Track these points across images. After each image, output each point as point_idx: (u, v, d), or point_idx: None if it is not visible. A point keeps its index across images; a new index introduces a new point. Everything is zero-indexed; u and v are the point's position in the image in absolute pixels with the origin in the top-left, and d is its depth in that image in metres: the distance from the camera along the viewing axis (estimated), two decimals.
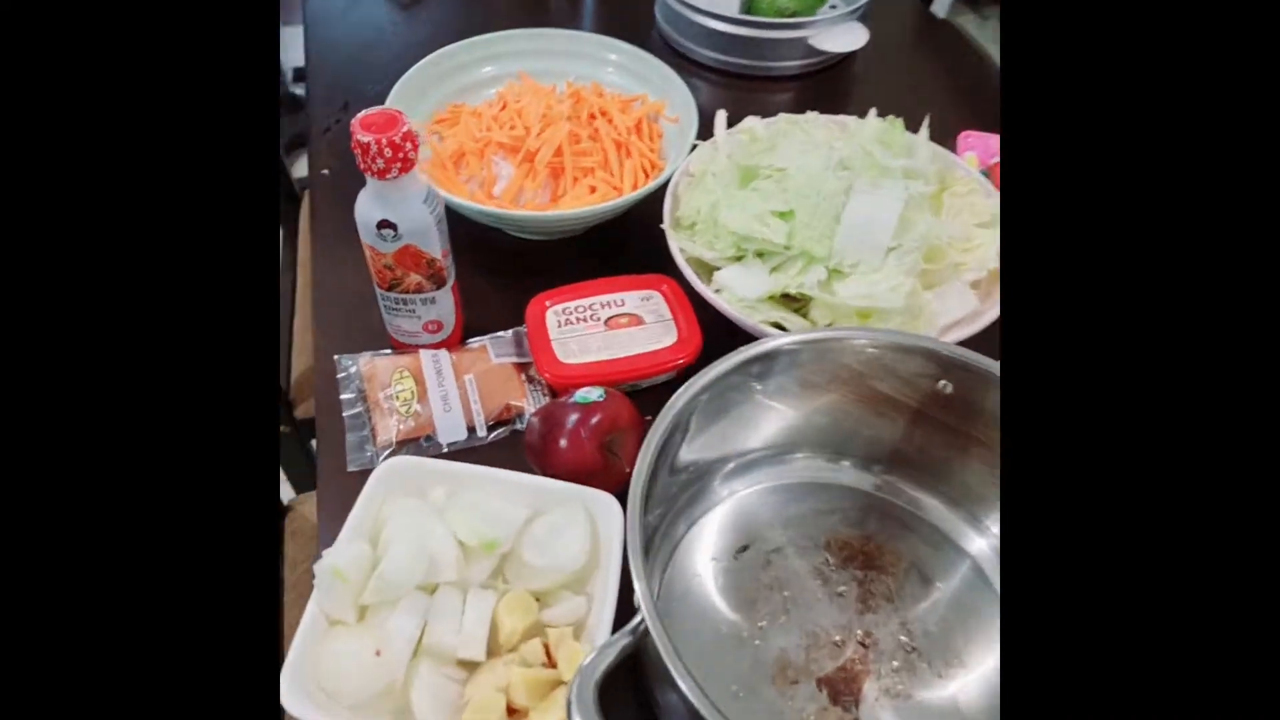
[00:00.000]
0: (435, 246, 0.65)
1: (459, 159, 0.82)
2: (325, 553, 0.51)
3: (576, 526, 0.56)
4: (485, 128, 0.81)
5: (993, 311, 0.66)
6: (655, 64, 0.89)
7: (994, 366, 0.55)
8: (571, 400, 0.62)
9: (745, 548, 0.62)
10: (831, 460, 0.65)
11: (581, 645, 0.52)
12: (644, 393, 0.70)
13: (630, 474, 0.61)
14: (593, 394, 0.62)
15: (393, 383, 0.68)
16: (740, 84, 1.07)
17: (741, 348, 0.55)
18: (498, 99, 0.86)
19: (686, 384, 0.54)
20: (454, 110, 0.87)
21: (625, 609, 0.52)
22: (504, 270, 0.81)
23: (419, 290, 0.67)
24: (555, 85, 0.90)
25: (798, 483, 0.64)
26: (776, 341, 0.56)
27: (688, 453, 0.58)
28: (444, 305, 0.69)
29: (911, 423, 0.61)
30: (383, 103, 0.75)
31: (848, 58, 1.09)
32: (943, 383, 0.57)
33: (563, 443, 0.60)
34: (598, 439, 0.60)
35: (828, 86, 1.07)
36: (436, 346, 0.72)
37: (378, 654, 0.49)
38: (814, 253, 0.64)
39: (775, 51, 1.04)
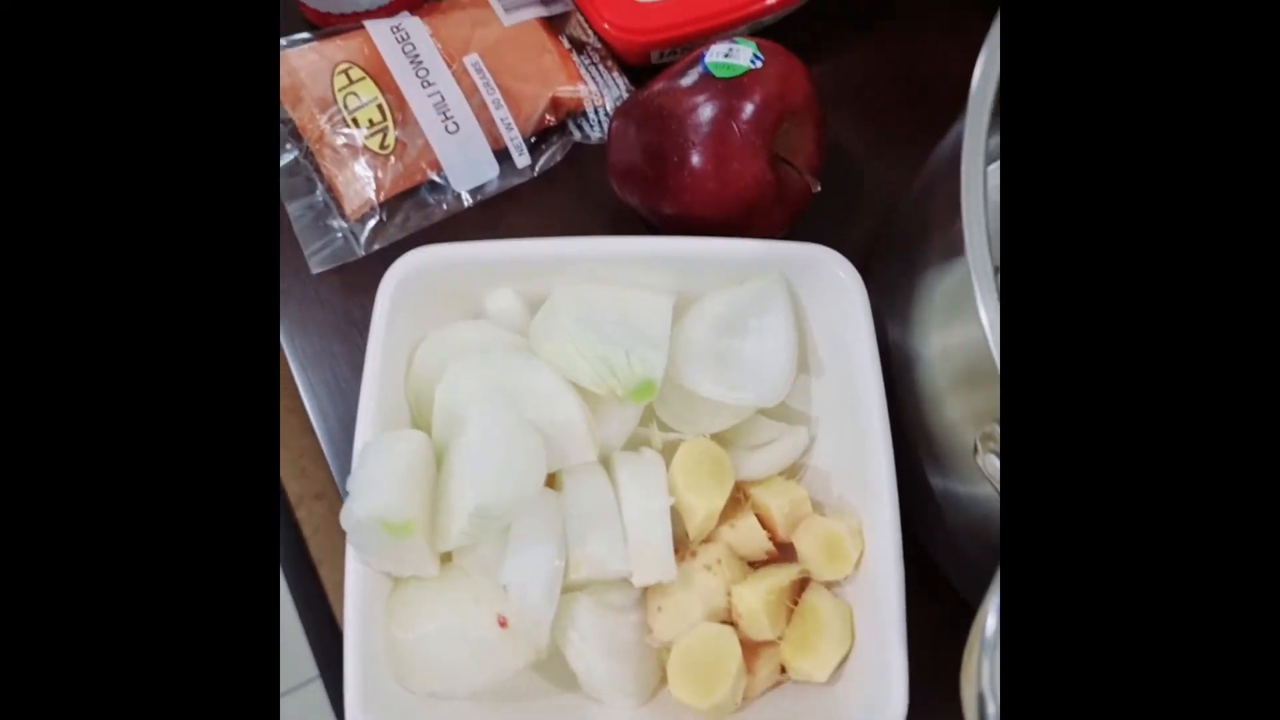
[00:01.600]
0: None
1: None
2: (352, 487, 0.26)
3: (771, 314, 0.31)
4: None
5: None
6: None
7: None
8: (698, 71, 0.32)
9: None
10: None
11: (826, 515, 0.30)
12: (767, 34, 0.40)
13: (813, 193, 0.35)
14: (740, 55, 0.32)
15: (338, 93, 0.37)
16: None
17: None
18: None
19: None
20: None
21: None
22: None
23: None
24: None
25: None
26: None
27: None
28: None
29: None
30: None
31: None
32: None
33: (695, 159, 0.32)
34: (765, 140, 0.32)
35: None
36: (390, 10, 0.39)
37: (503, 625, 0.27)
38: None
39: None
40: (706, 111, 0.32)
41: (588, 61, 0.39)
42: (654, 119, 0.33)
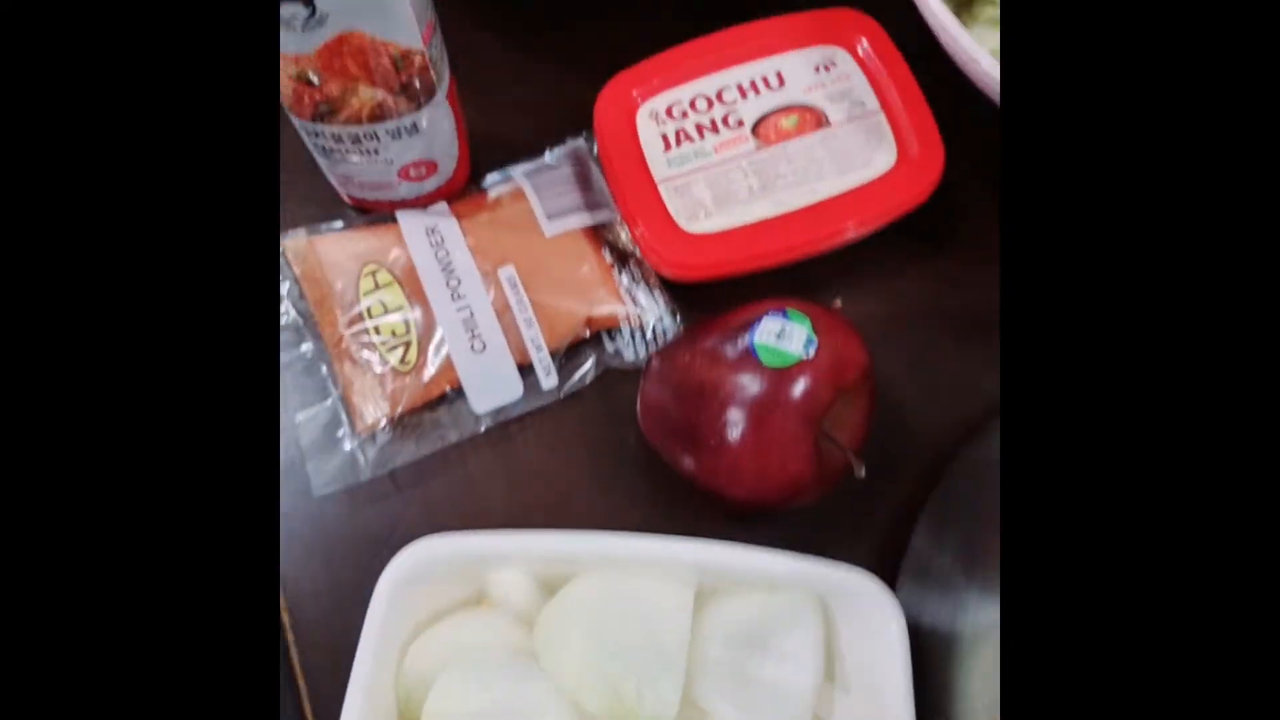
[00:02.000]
0: (406, 25, 0.28)
1: None
2: None
3: (799, 632, 0.28)
4: None
5: None
6: None
7: None
8: (745, 346, 0.30)
9: None
10: None
11: None
12: (817, 264, 0.38)
13: (854, 465, 0.32)
14: (793, 338, 0.30)
15: (363, 296, 0.35)
16: None
17: None
18: None
19: None
20: None
21: None
22: (536, 13, 0.42)
23: (380, 116, 0.32)
24: None
25: None
26: None
27: None
28: (438, 130, 0.34)
29: None
30: None
31: None
32: None
33: (735, 447, 0.30)
34: (811, 426, 0.30)
35: None
36: (429, 199, 0.37)
37: None
38: None
39: None
40: (750, 397, 0.29)
41: (629, 276, 0.37)
42: (694, 390, 0.31)
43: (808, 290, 0.38)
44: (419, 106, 0.32)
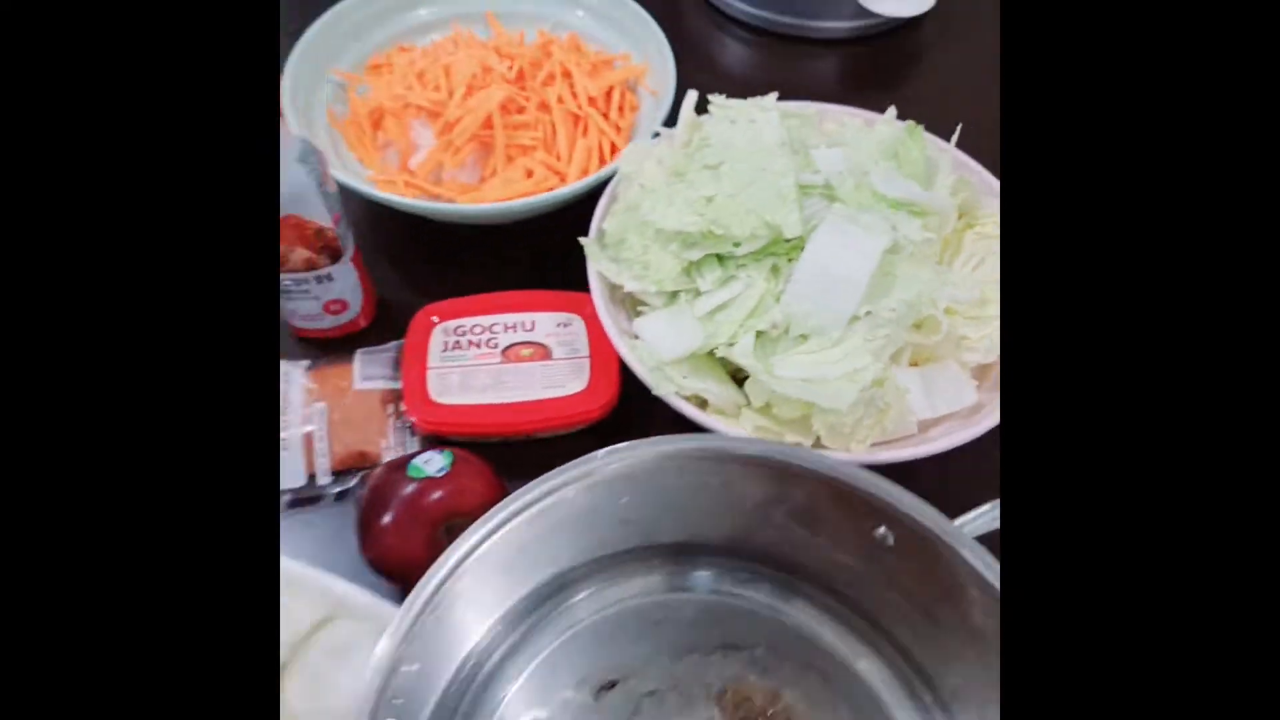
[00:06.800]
0: (322, 213, 0.52)
1: (379, 119, 0.67)
2: None
3: (364, 653, 0.43)
4: (407, 84, 0.65)
5: (994, 412, 0.48)
6: (634, 10, 0.71)
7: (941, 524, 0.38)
8: (406, 465, 0.48)
9: (613, 684, 0.48)
10: (744, 580, 0.49)
11: None
12: (540, 445, 0.56)
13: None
14: (433, 463, 0.47)
15: None
16: (777, 46, 0.86)
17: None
18: (433, 48, 0.70)
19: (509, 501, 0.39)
20: (395, 55, 0.72)
21: None
22: (422, 258, 0.66)
23: (311, 267, 0.54)
24: (524, 32, 0.73)
25: (695, 601, 0.48)
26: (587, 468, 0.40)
27: (527, 565, 0.44)
28: (345, 281, 0.57)
29: (854, 561, 0.45)
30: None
31: (910, 25, 0.87)
32: (882, 531, 0.41)
33: (386, 519, 0.46)
34: (429, 527, 0.46)
35: (883, 58, 0.85)
36: (343, 331, 0.60)
37: None
38: (732, 231, 0.47)
39: (817, 8, 0.83)
40: (398, 495, 0.46)
41: (401, 426, 0.56)
42: (375, 490, 0.48)
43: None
44: (333, 262, 0.55)
